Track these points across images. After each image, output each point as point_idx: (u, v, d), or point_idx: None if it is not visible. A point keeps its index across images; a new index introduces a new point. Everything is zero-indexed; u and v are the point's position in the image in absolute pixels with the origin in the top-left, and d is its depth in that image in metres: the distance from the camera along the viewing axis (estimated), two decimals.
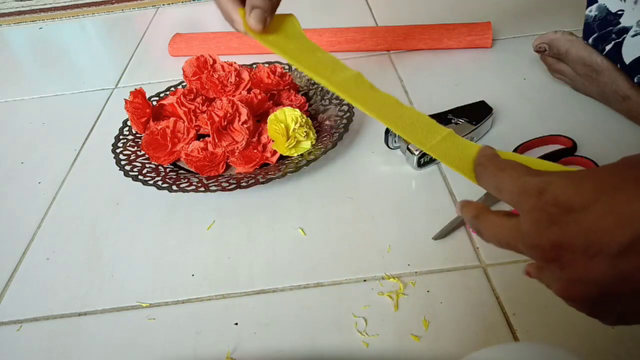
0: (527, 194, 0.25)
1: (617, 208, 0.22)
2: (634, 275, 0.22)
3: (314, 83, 0.68)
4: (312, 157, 0.54)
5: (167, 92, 0.69)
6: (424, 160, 0.54)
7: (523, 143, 0.54)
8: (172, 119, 0.58)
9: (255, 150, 0.56)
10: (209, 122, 0.55)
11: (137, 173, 0.55)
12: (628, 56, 0.53)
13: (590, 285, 0.23)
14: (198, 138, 0.58)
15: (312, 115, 0.63)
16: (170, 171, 0.56)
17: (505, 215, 0.27)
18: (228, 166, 0.57)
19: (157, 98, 0.67)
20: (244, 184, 0.51)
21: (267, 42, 0.40)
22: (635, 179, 0.22)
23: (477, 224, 0.29)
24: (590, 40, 0.57)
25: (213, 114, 0.55)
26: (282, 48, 0.40)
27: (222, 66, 0.64)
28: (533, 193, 0.24)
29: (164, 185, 0.52)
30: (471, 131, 0.55)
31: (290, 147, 0.55)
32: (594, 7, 0.57)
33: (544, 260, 0.24)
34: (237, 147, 0.55)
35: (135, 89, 0.61)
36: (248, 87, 0.62)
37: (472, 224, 0.29)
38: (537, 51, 0.63)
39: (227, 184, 0.52)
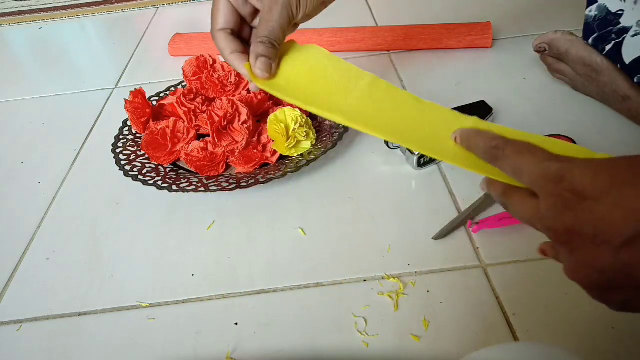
0: (547, 179, 0.26)
1: (625, 202, 0.23)
2: (635, 267, 0.23)
3: None
4: (312, 157, 0.54)
5: (167, 92, 0.69)
6: (424, 160, 0.54)
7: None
8: (172, 119, 0.58)
9: (255, 150, 0.56)
10: (209, 122, 0.55)
11: (137, 173, 0.55)
12: (628, 56, 0.53)
13: (595, 271, 0.24)
14: (198, 138, 0.58)
15: (312, 115, 0.63)
16: (170, 171, 0.56)
17: (529, 196, 0.28)
18: (228, 166, 0.57)
19: (157, 98, 0.67)
20: (244, 184, 0.51)
21: (274, 90, 0.38)
22: None
23: (504, 200, 0.30)
24: (590, 40, 0.57)
25: (213, 114, 0.55)
26: (291, 91, 0.38)
27: (222, 66, 0.64)
28: (553, 179, 0.25)
29: (164, 185, 0.52)
30: None
31: (290, 147, 0.55)
32: (594, 7, 0.57)
33: (558, 242, 0.26)
34: (237, 147, 0.55)
35: (135, 89, 0.61)
36: (248, 87, 0.62)
37: (500, 201, 0.30)
38: (537, 51, 0.63)
39: (227, 184, 0.52)
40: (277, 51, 0.38)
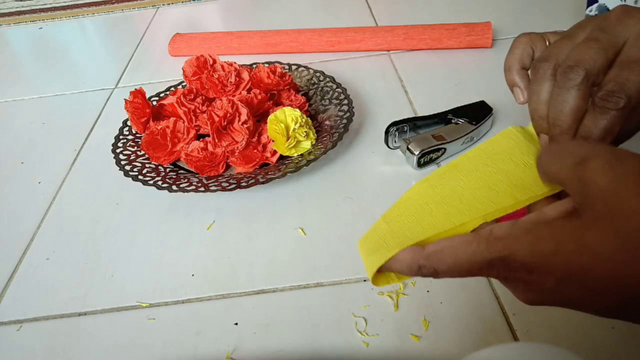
0: (491, 267, 0.25)
1: (588, 286, 0.22)
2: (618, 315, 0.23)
3: (314, 83, 0.68)
4: (312, 157, 0.54)
5: (167, 92, 0.69)
6: (424, 160, 0.54)
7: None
8: (172, 119, 0.58)
9: (255, 150, 0.56)
10: (209, 122, 0.55)
11: (137, 173, 0.55)
12: None
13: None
14: (198, 138, 0.58)
15: (312, 115, 0.63)
16: (170, 171, 0.56)
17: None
18: (228, 166, 0.57)
19: (157, 98, 0.68)
20: (244, 184, 0.51)
21: None
22: (603, 253, 0.21)
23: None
24: None
25: (213, 114, 0.55)
26: None
27: (222, 66, 0.64)
28: (497, 266, 0.24)
29: (164, 185, 0.52)
30: (471, 131, 0.55)
31: (290, 147, 0.55)
32: (594, 7, 0.57)
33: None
34: (237, 147, 0.55)
35: (135, 89, 0.61)
36: (248, 87, 0.62)
37: None
38: None
39: (227, 184, 0.52)
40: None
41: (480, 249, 0.25)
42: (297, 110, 0.56)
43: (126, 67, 0.86)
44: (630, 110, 0.27)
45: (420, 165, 0.54)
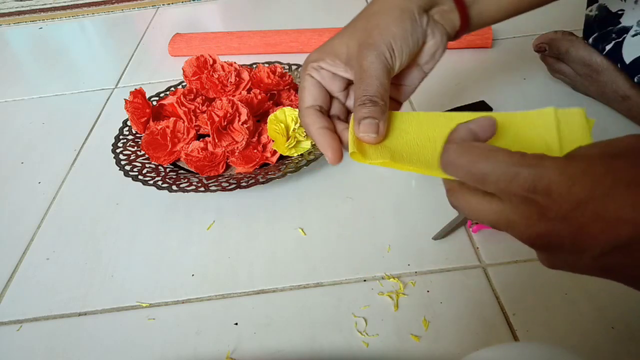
0: (518, 187, 0.24)
1: (604, 214, 0.22)
2: (612, 271, 0.24)
3: None
4: (312, 157, 0.54)
5: (167, 92, 0.69)
6: None
7: None
8: (172, 119, 0.58)
9: (255, 150, 0.56)
10: (209, 122, 0.55)
11: (137, 173, 0.55)
12: (628, 56, 0.53)
13: (574, 269, 0.25)
14: (198, 138, 0.58)
15: None
16: (170, 171, 0.56)
17: (485, 197, 0.26)
18: (228, 166, 0.56)
19: (157, 98, 0.67)
20: (244, 184, 0.51)
21: (379, 162, 0.32)
22: (627, 182, 0.22)
23: (453, 202, 0.28)
24: (590, 40, 0.57)
25: (213, 114, 0.55)
26: (397, 156, 0.32)
27: (222, 66, 0.64)
28: (524, 186, 0.24)
29: (164, 185, 0.52)
30: None
31: (290, 147, 0.55)
32: (594, 6, 0.57)
33: (532, 246, 0.26)
34: (237, 147, 0.55)
35: (135, 89, 0.61)
36: (248, 87, 0.62)
37: (450, 201, 0.29)
38: (537, 51, 0.63)
39: (227, 184, 0.52)
40: (382, 109, 0.32)
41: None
42: (297, 110, 0.56)
43: (126, 67, 0.86)
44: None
45: None
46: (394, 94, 0.39)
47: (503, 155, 0.25)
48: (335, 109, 0.37)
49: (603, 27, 0.56)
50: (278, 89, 0.63)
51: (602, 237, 0.23)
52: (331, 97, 0.37)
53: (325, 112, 0.37)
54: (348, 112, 0.38)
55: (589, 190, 0.23)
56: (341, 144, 0.34)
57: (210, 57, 0.65)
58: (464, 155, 0.26)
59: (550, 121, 0.31)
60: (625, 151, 0.24)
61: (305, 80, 0.37)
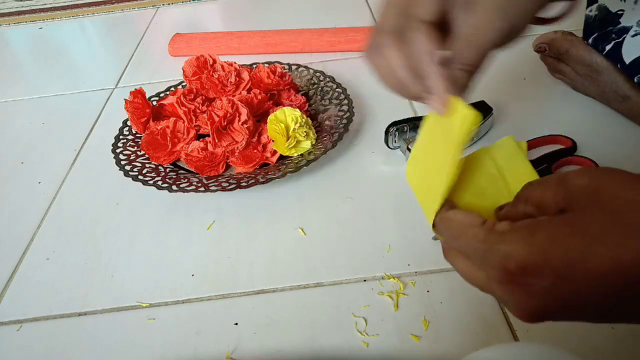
0: (492, 268, 0.24)
1: (588, 275, 0.21)
2: (617, 316, 0.23)
3: (314, 83, 0.68)
4: (312, 157, 0.54)
5: (167, 92, 0.69)
6: None
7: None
8: (172, 119, 0.58)
9: (255, 150, 0.56)
10: (209, 122, 0.55)
11: (137, 173, 0.55)
12: (628, 56, 0.53)
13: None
14: (198, 138, 0.58)
15: (312, 115, 0.63)
16: (170, 171, 0.56)
17: (473, 264, 0.26)
18: (228, 166, 0.57)
19: (157, 98, 0.68)
20: (244, 184, 0.51)
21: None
22: (595, 235, 0.21)
23: (447, 258, 0.30)
24: (590, 40, 0.57)
25: (213, 114, 0.55)
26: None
27: (222, 66, 0.64)
28: (498, 267, 0.24)
29: (164, 185, 0.52)
30: None
31: (290, 147, 0.55)
32: (594, 7, 0.57)
33: (532, 322, 0.25)
34: (237, 147, 0.55)
35: (135, 89, 0.61)
36: (248, 87, 0.62)
37: (444, 256, 0.30)
38: (537, 51, 0.63)
39: (227, 184, 0.52)
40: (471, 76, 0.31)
41: (483, 237, 0.25)
42: (297, 110, 0.56)
43: (126, 67, 0.86)
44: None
45: None
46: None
47: (472, 232, 0.25)
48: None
49: (603, 27, 0.56)
50: (278, 89, 0.63)
51: (594, 300, 0.22)
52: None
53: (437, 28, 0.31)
54: None
55: (564, 258, 0.22)
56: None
57: (210, 57, 0.65)
58: (445, 230, 0.28)
59: (487, 161, 0.32)
60: (584, 199, 0.23)
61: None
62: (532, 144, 0.55)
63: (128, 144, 0.60)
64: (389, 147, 0.57)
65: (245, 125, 0.55)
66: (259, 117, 0.60)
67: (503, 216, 0.28)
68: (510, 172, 0.31)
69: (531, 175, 0.30)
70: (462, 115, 0.29)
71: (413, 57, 0.31)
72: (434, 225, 0.30)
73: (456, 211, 0.28)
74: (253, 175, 0.53)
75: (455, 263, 0.29)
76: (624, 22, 0.54)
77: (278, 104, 0.63)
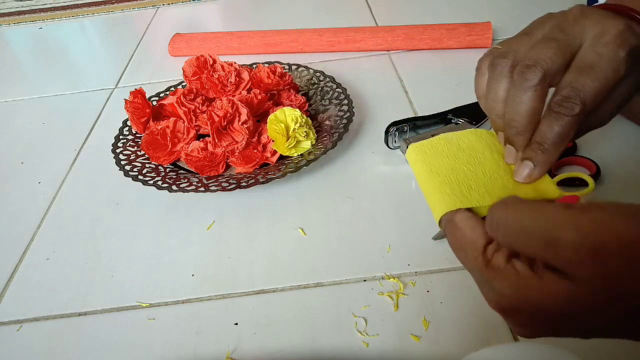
0: (484, 293, 0.27)
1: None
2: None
3: (314, 83, 0.68)
4: (312, 157, 0.54)
5: (167, 92, 0.69)
6: None
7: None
8: (172, 119, 0.58)
9: (255, 150, 0.56)
10: (209, 122, 0.55)
11: (137, 173, 0.55)
12: None
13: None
14: (198, 138, 0.58)
15: (312, 115, 0.63)
16: (170, 171, 0.56)
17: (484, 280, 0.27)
18: (228, 166, 0.57)
19: (157, 98, 0.68)
20: (244, 184, 0.51)
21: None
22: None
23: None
24: None
25: (213, 114, 0.55)
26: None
27: (222, 66, 0.64)
28: (489, 296, 0.26)
29: (164, 185, 0.52)
30: None
31: (290, 147, 0.55)
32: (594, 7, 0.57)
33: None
34: (237, 147, 0.55)
35: (135, 89, 0.61)
36: (248, 87, 0.62)
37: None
38: None
39: (227, 184, 0.52)
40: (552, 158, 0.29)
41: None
42: (297, 110, 0.56)
43: (126, 67, 0.86)
44: (585, 114, 0.28)
45: None
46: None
47: (472, 255, 0.27)
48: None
49: None
50: (278, 89, 0.63)
51: (573, 334, 0.25)
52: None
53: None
54: None
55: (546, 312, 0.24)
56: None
57: (210, 57, 0.65)
58: (448, 234, 0.28)
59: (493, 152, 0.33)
60: (575, 268, 0.21)
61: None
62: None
63: (128, 144, 0.60)
64: (389, 147, 0.57)
65: (245, 125, 0.55)
66: (259, 117, 0.61)
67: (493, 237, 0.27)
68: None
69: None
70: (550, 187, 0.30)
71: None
72: (440, 225, 0.30)
73: (463, 217, 0.28)
74: (253, 175, 0.53)
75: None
76: None
77: (278, 104, 0.63)
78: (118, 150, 0.59)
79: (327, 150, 0.54)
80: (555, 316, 0.23)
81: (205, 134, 0.58)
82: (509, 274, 0.24)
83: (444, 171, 0.31)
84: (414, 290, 0.43)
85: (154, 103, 0.66)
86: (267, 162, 0.56)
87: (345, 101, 0.62)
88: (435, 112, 0.58)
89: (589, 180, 0.30)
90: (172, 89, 0.69)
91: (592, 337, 0.24)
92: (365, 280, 0.44)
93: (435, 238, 0.47)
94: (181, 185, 0.52)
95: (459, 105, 0.59)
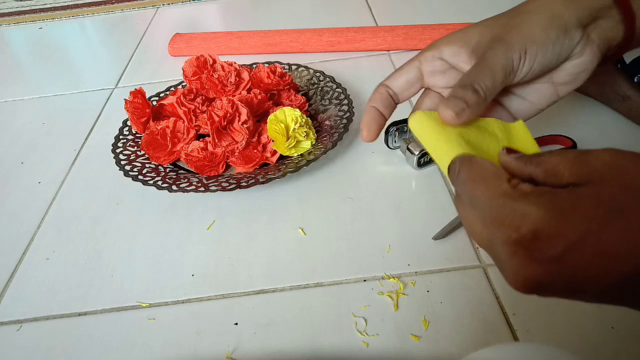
0: (501, 224, 0.23)
1: (601, 252, 0.21)
2: (615, 301, 0.22)
3: (314, 83, 0.68)
4: (312, 157, 0.54)
5: (167, 92, 0.69)
6: (424, 160, 0.54)
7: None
8: (172, 119, 0.58)
9: (255, 150, 0.56)
10: (209, 122, 0.55)
11: (137, 173, 0.55)
12: (628, 56, 0.53)
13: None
14: (198, 138, 0.58)
15: (312, 115, 0.63)
16: (170, 171, 0.56)
17: (481, 223, 0.25)
18: (228, 166, 0.57)
19: (157, 98, 0.68)
20: (244, 184, 0.51)
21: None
22: (619, 211, 0.21)
23: (456, 207, 0.28)
24: None
25: (213, 114, 0.55)
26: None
27: (222, 66, 0.64)
28: (508, 224, 0.23)
29: (164, 185, 0.52)
30: None
31: (290, 147, 0.55)
32: None
33: (520, 291, 0.24)
34: (237, 147, 0.55)
35: (135, 89, 0.61)
36: (248, 87, 0.62)
37: (454, 204, 0.29)
38: None
39: (227, 184, 0.52)
40: (479, 101, 0.30)
41: (504, 191, 0.23)
42: (297, 110, 0.56)
43: (126, 67, 0.86)
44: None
45: (420, 165, 0.54)
46: (513, 105, 0.35)
47: (495, 183, 0.24)
48: (429, 103, 0.36)
49: None
50: (278, 89, 0.63)
51: (601, 278, 0.21)
52: (425, 90, 0.37)
53: (395, 99, 0.37)
54: None
55: (581, 228, 0.21)
56: (379, 129, 0.37)
57: (210, 57, 0.65)
58: (465, 172, 0.26)
59: (496, 128, 0.32)
60: (607, 173, 0.22)
61: (409, 65, 0.35)
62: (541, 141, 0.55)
63: (128, 144, 0.60)
64: (389, 147, 0.57)
65: (245, 125, 0.55)
66: (259, 117, 0.61)
67: (509, 170, 0.26)
68: (516, 142, 0.31)
69: (535, 149, 0.31)
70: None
71: None
72: (450, 168, 0.27)
73: (484, 159, 0.26)
74: (253, 175, 0.53)
75: (464, 213, 0.27)
76: None
77: (278, 104, 0.63)
78: (118, 150, 0.59)
79: (327, 150, 0.54)
80: (588, 235, 0.21)
81: (205, 134, 0.58)
82: (542, 192, 0.23)
83: (454, 134, 0.30)
84: (414, 290, 0.43)
85: (154, 103, 0.66)
86: (267, 162, 0.56)
87: (345, 101, 0.62)
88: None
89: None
90: (172, 89, 0.69)
91: (605, 302, 0.22)
92: (365, 280, 0.44)
93: (435, 238, 0.47)
94: (181, 185, 0.52)
95: None
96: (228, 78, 0.62)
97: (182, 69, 0.65)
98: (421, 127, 0.31)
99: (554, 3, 0.32)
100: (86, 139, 0.68)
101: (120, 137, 0.62)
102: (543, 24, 0.31)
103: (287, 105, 0.61)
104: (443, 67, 0.35)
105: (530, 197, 0.23)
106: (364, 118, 0.36)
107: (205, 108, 0.59)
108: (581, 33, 0.31)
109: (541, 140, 0.55)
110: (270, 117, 0.56)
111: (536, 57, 0.31)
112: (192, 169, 0.56)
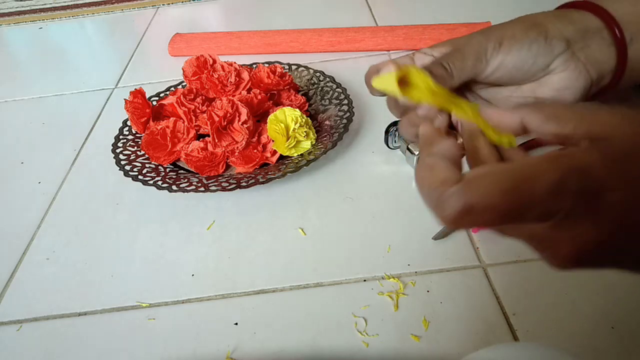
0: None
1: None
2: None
3: (314, 83, 0.68)
4: (312, 157, 0.54)
5: (167, 92, 0.69)
6: None
7: (523, 143, 0.54)
8: (172, 119, 0.58)
9: (255, 150, 0.56)
10: (209, 122, 0.55)
11: (137, 173, 0.55)
12: None
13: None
14: (198, 138, 0.58)
15: (312, 115, 0.63)
16: (170, 171, 0.56)
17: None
18: (228, 166, 0.57)
19: (157, 98, 0.68)
20: (244, 184, 0.51)
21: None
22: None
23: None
24: None
25: (213, 114, 0.55)
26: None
27: (222, 66, 0.64)
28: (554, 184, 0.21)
29: (164, 185, 0.52)
30: None
31: (290, 147, 0.55)
32: None
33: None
34: (237, 147, 0.55)
35: (135, 89, 0.61)
36: (248, 87, 0.62)
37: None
38: None
39: (227, 184, 0.52)
40: (447, 76, 0.31)
41: (546, 167, 0.21)
42: (297, 110, 0.56)
43: (126, 67, 0.86)
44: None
45: None
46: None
47: (441, 173, 0.23)
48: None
49: None
50: (278, 89, 0.63)
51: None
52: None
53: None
54: None
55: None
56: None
57: (210, 57, 0.65)
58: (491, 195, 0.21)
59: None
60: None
61: (403, 57, 0.36)
62: (532, 144, 0.55)
63: (128, 144, 0.60)
64: (389, 147, 0.57)
65: (245, 125, 0.55)
66: (259, 117, 0.61)
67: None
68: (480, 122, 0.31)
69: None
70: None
71: None
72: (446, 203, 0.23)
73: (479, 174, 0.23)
74: (253, 175, 0.53)
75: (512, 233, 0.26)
76: None
77: (278, 104, 0.63)
78: (118, 150, 0.59)
79: (327, 150, 0.54)
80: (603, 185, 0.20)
81: (205, 134, 0.58)
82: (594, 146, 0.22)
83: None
84: (414, 290, 0.43)
85: (154, 103, 0.66)
86: (267, 162, 0.56)
87: (345, 101, 0.62)
88: None
89: None
90: (172, 89, 0.69)
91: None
92: (365, 280, 0.44)
93: (436, 238, 0.47)
94: (181, 185, 0.52)
95: None
96: (228, 78, 0.62)
97: (182, 69, 0.65)
98: (389, 83, 0.30)
99: (539, 16, 0.33)
100: (86, 139, 0.68)
101: (120, 137, 0.62)
102: (525, 26, 0.32)
103: (287, 105, 0.61)
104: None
105: (583, 148, 0.22)
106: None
107: (205, 108, 0.59)
108: (564, 46, 0.32)
109: (541, 141, 0.55)
110: (270, 117, 0.56)
111: (510, 51, 0.31)
112: (192, 169, 0.56)
